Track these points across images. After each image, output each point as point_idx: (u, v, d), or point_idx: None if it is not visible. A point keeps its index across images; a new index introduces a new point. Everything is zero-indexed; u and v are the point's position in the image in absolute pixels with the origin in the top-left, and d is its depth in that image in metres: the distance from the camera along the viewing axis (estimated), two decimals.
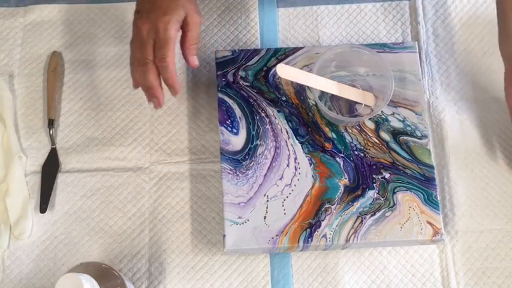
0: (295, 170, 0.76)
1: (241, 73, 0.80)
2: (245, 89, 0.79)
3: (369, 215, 0.74)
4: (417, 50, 0.82)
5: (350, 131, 0.78)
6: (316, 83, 0.76)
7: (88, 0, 0.89)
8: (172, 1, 0.71)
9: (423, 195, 0.75)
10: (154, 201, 0.80)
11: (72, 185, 0.80)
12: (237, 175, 0.75)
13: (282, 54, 0.81)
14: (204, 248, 0.78)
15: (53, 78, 0.84)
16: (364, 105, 0.78)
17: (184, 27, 0.72)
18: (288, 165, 0.76)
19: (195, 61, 0.74)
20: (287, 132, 0.77)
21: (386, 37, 0.87)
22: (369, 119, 0.78)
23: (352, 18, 0.89)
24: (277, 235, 0.73)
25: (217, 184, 0.80)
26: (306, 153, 0.76)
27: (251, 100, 0.79)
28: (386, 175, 0.76)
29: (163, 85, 0.73)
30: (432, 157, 0.77)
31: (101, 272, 0.64)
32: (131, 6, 0.89)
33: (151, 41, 0.69)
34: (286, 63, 0.78)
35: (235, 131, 0.77)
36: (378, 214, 0.74)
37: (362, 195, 0.75)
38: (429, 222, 0.73)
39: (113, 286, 0.64)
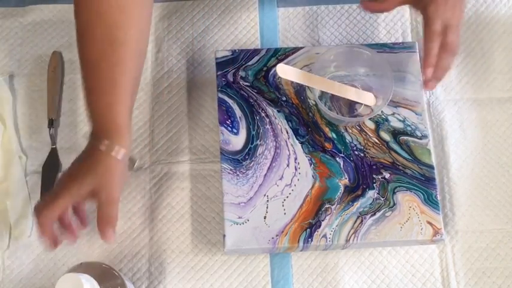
0: (295, 170, 0.76)
1: (241, 73, 0.80)
2: (245, 89, 0.79)
3: (369, 215, 0.74)
4: (417, 50, 0.82)
5: (350, 131, 0.78)
6: (316, 82, 0.76)
7: None
8: (77, 177, 0.66)
9: (423, 195, 0.75)
10: (155, 201, 0.80)
11: None
12: (237, 175, 0.75)
13: (282, 54, 0.81)
14: (204, 248, 0.78)
15: (53, 78, 0.84)
16: (364, 105, 0.78)
17: (96, 201, 0.67)
18: (288, 165, 0.76)
19: (109, 238, 0.67)
20: (287, 132, 0.77)
21: (386, 37, 0.87)
22: (369, 119, 0.78)
23: (352, 18, 0.89)
24: (277, 235, 0.73)
25: (217, 184, 0.80)
26: (306, 153, 0.76)
27: (251, 100, 0.79)
28: (387, 175, 0.76)
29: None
30: (432, 157, 0.77)
31: (101, 272, 0.64)
32: None
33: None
34: (286, 63, 0.78)
35: (235, 131, 0.77)
36: (378, 214, 0.74)
37: (362, 195, 0.75)
38: (429, 222, 0.73)
39: (113, 286, 0.64)
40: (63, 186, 0.67)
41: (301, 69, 0.78)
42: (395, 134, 0.78)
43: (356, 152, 0.77)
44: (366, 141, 0.77)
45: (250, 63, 0.80)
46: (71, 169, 0.68)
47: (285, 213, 0.74)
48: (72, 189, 0.66)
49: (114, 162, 0.66)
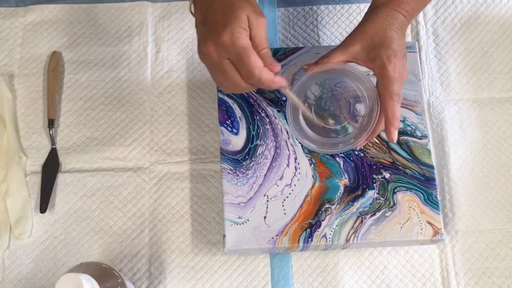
0: (295, 170, 0.76)
1: None
2: None
3: (369, 215, 0.74)
4: (417, 50, 0.82)
5: None
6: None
7: (88, 0, 0.89)
8: (226, 9, 0.60)
9: (423, 195, 0.75)
10: (154, 201, 0.80)
11: (72, 185, 0.80)
12: (237, 175, 0.75)
13: (282, 54, 0.81)
14: (204, 248, 0.78)
15: (53, 78, 0.84)
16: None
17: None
18: (288, 165, 0.76)
19: (274, 67, 0.61)
20: (287, 132, 0.77)
21: None
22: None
23: (352, 18, 0.89)
24: (277, 235, 0.73)
25: (217, 184, 0.80)
26: (306, 153, 0.76)
27: (251, 100, 0.79)
28: (387, 175, 0.76)
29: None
30: (432, 157, 0.77)
31: (101, 272, 0.64)
32: (131, 7, 0.89)
33: (227, 61, 0.60)
34: (286, 63, 0.78)
35: (235, 131, 0.77)
36: (378, 214, 0.74)
37: (362, 195, 0.75)
38: (429, 222, 0.73)
39: (113, 286, 0.64)
40: (225, 36, 0.58)
41: (300, 68, 0.77)
42: None
43: (356, 152, 0.77)
44: None
45: None
46: (210, 26, 0.60)
47: (285, 213, 0.74)
48: (235, 25, 0.59)
49: None
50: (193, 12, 0.65)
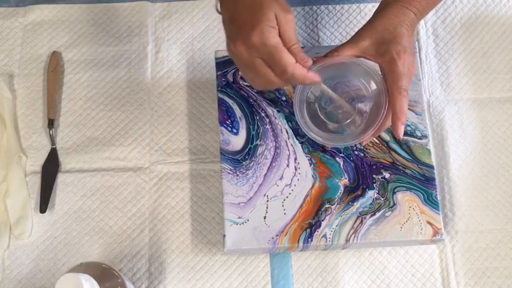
0: (295, 170, 0.76)
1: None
2: (245, 89, 0.79)
3: (369, 215, 0.74)
4: (417, 50, 0.82)
5: None
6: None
7: (88, 0, 0.90)
8: (254, 8, 0.60)
9: (423, 195, 0.75)
10: (154, 201, 0.80)
11: (72, 185, 0.80)
12: (237, 175, 0.75)
13: None
14: (204, 248, 0.78)
15: (53, 78, 0.84)
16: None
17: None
18: (288, 165, 0.76)
19: (306, 62, 0.61)
20: (287, 132, 0.77)
21: None
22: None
23: (352, 18, 0.89)
24: (277, 235, 0.73)
25: (217, 184, 0.80)
26: (306, 153, 0.76)
27: (251, 100, 0.79)
28: (386, 175, 0.76)
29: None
30: (432, 157, 0.77)
31: (101, 272, 0.65)
32: (131, 7, 0.89)
33: (259, 60, 0.60)
34: None
35: (235, 131, 0.77)
36: (377, 214, 0.74)
37: (362, 195, 0.75)
38: (429, 222, 0.73)
39: (113, 286, 0.64)
40: (254, 36, 0.59)
41: None
42: None
43: (356, 152, 0.77)
44: None
45: None
46: (239, 26, 0.60)
47: (284, 213, 0.74)
48: (264, 24, 0.59)
49: None
50: (219, 10, 0.65)
